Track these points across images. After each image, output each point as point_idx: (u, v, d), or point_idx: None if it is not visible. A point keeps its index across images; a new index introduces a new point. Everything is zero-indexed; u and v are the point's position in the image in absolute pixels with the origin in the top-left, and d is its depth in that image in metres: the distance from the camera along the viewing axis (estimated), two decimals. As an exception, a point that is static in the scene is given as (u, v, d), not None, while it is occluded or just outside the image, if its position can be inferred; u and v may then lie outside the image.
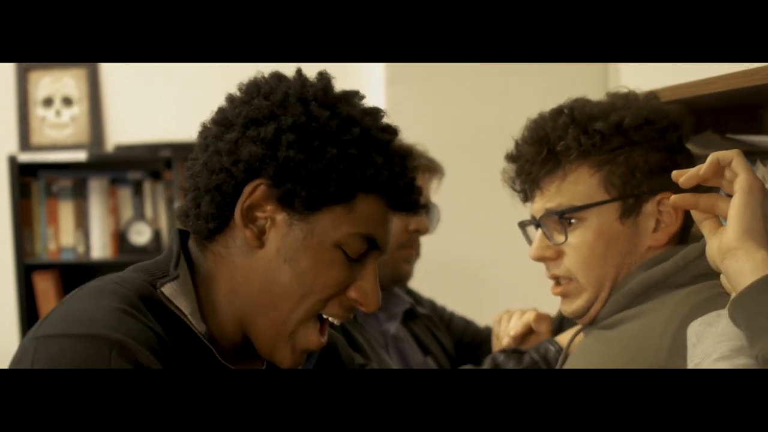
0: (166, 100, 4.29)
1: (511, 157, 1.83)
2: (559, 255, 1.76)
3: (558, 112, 1.79)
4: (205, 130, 1.43)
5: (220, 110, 1.43)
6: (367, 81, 2.12)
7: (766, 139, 1.81)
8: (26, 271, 4.08)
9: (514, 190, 1.85)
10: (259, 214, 1.36)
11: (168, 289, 1.37)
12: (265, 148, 1.34)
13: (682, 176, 1.35)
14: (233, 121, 1.38)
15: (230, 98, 1.43)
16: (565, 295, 1.78)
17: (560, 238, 1.74)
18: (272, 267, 1.36)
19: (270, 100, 1.37)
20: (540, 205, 1.77)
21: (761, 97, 1.78)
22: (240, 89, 1.43)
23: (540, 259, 1.79)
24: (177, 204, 3.97)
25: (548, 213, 1.75)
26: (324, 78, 1.41)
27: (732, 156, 1.32)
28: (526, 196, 1.83)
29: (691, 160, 1.75)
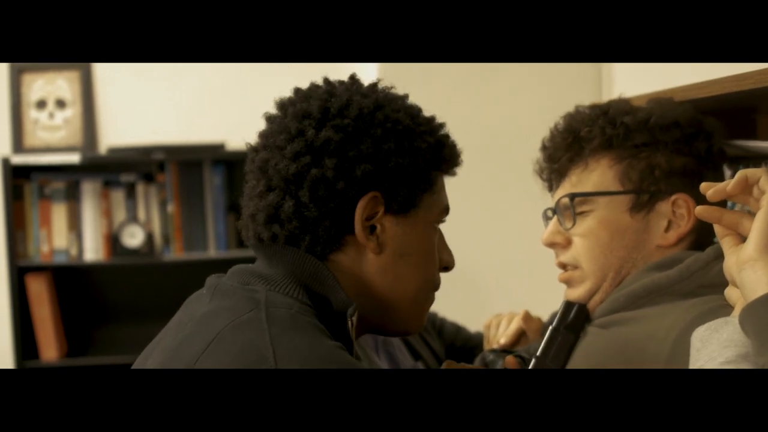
0: (159, 103, 4.29)
1: (543, 146, 1.85)
2: (568, 242, 1.78)
3: (595, 106, 1.82)
4: (282, 159, 1.44)
5: (290, 135, 1.45)
6: (394, 85, 2.10)
7: (760, 144, 1.80)
8: (19, 273, 4.06)
9: (542, 179, 1.87)
10: (373, 220, 1.45)
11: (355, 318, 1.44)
12: (372, 162, 1.43)
13: (710, 189, 1.35)
14: (319, 147, 1.42)
15: (290, 128, 1.46)
16: (568, 282, 1.80)
17: (569, 224, 1.76)
18: (392, 266, 1.48)
19: (349, 116, 1.44)
20: (561, 193, 1.79)
21: (754, 101, 1.78)
22: (298, 113, 1.47)
23: (550, 244, 1.81)
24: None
25: (562, 198, 1.77)
26: (373, 84, 1.52)
27: (760, 173, 1.32)
28: (551, 185, 1.85)
29: (718, 175, 1.75)
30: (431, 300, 1.58)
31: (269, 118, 1.51)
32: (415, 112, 1.51)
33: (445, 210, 1.54)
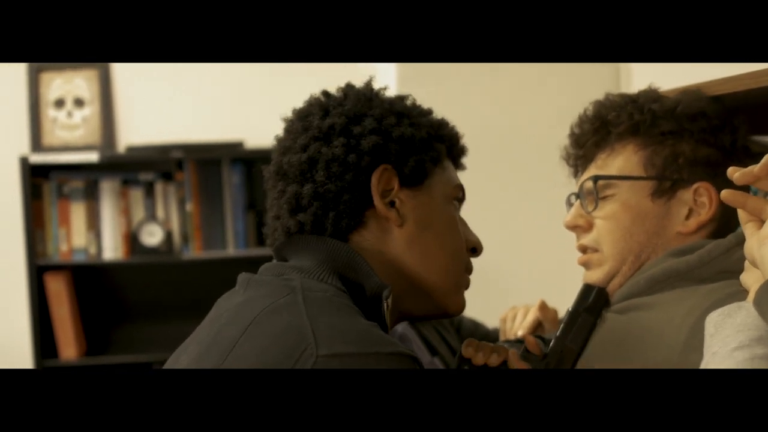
0: (178, 102, 4.30)
1: (571, 132, 1.87)
2: (590, 226, 1.78)
3: (625, 94, 1.84)
4: (294, 154, 1.51)
5: (297, 134, 1.53)
6: (380, 81, 2.15)
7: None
8: (38, 272, 4.07)
9: (569, 165, 1.89)
10: (391, 195, 1.50)
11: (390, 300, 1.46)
12: (377, 135, 1.49)
13: (736, 173, 1.35)
14: (326, 133, 1.50)
15: (296, 128, 1.54)
16: (587, 265, 1.80)
17: (591, 207, 1.77)
18: (417, 239, 1.51)
19: (348, 104, 1.53)
20: (586, 177, 1.79)
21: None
22: (302, 115, 1.56)
23: (572, 226, 1.81)
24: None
25: (585, 181, 1.78)
26: (366, 83, 1.61)
27: None
28: (577, 171, 1.86)
29: (742, 167, 1.75)
30: (466, 281, 1.60)
31: (277, 138, 1.59)
32: (409, 101, 1.60)
33: (459, 187, 1.59)
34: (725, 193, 1.39)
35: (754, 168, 1.33)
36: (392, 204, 1.50)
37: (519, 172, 3.45)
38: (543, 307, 2.14)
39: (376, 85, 1.61)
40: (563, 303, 1.94)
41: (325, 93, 1.59)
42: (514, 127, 3.46)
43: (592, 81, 3.36)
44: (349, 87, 1.59)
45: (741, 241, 1.42)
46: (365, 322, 1.32)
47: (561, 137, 1.88)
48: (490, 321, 2.51)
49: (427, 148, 1.53)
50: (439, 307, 1.56)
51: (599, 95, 1.86)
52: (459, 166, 1.65)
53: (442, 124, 1.59)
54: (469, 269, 1.60)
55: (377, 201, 1.48)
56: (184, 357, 1.45)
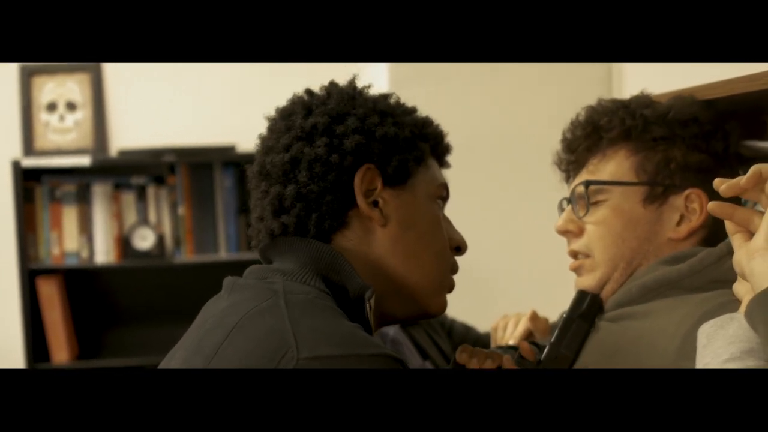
0: (170, 105, 4.30)
1: (563, 137, 1.87)
2: (581, 231, 1.78)
3: (617, 99, 1.84)
4: (277, 154, 1.51)
5: (280, 133, 1.52)
6: (376, 82, 2.15)
7: (771, 145, 1.80)
8: (30, 276, 4.07)
9: (560, 170, 1.89)
10: (374, 195, 1.50)
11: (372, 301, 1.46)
12: (360, 134, 1.48)
13: (723, 184, 1.35)
14: (309, 132, 1.49)
15: (279, 128, 1.54)
16: (578, 271, 1.80)
17: (582, 212, 1.77)
18: (401, 239, 1.50)
19: (331, 103, 1.52)
20: (577, 182, 1.80)
21: (764, 102, 1.78)
22: (284, 114, 1.56)
23: (563, 231, 1.81)
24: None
25: (577, 185, 1.78)
26: (349, 81, 1.60)
27: None
28: (569, 176, 1.86)
29: (733, 175, 1.75)
30: (450, 281, 1.59)
31: (260, 137, 1.58)
32: (392, 100, 1.59)
33: (443, 186, 1.58)
34: (712, 205, 1.38)
35: (741, 180, 1.33)
36: (375, 204, 1.49)
37: (516, 173, 3.45)
38: (534, 317, 2.14)
39: (362, 84, 1.60)
40: (559, 306, 1.95)
41: (309, 91, 1.58)
42: (510, 128, 3.46)
43: (585, 81, 3.36)
44: (332, 85, 1.58)
45: (732, 250, 1.42)
46: (348, 324, 1.32)
47: (558, 138, 1.88)
48: (484, 323, 2.51)
49: (411, 147, 1.53)
50: (420, 308, 1.55)
51: (592, 96, 1.86)
52: (444, 164, 1.64)
53: (426, 123, 1.58)
54: (454, 269, 1.59)
55: (360, 201, 1.47)
56: (173, 362, 1.44)
